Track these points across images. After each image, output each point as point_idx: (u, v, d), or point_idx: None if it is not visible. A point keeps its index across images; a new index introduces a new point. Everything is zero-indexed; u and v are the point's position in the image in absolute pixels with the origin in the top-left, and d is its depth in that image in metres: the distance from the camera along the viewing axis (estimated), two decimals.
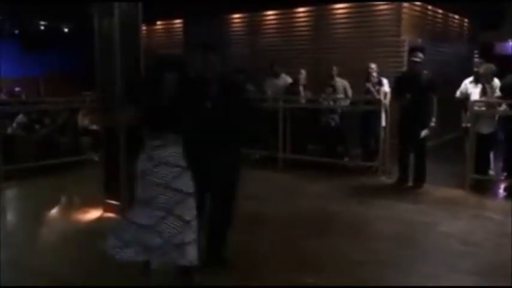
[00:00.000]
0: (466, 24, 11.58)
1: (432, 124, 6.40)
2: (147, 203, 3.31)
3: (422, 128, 6.36)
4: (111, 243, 3.34)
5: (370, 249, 4.37)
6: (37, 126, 8.42)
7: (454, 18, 11.03)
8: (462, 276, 3.81)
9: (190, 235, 3.32)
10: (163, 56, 4.14)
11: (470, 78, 6.88)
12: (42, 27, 12.37)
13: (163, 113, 3.38)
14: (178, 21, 11.71)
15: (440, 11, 10.12)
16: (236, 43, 10.52)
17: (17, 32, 12.62)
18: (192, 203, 3.35)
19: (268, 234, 4.78)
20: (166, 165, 3.30)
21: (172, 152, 3.34)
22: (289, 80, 8.56)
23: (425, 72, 6.49)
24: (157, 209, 3.27)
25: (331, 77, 8.07)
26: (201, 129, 3.55)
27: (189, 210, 3.33)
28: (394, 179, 6.82)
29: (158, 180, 3.29)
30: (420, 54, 6.44)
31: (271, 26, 10.22)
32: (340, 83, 8.02)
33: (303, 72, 8.44)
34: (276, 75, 8.62)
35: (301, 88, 8.34)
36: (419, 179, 6.55)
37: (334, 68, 8.08)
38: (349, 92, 7.98)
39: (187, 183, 3.35)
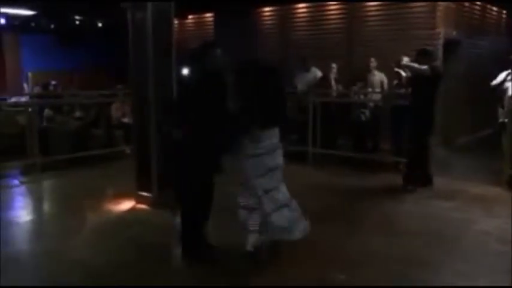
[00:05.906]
0: (504, 16, 11.21)
1: None
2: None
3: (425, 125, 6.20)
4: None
5: (403, 246, 4.30)
6: (71, 119, 8.60)
7: (492, 11, 10.68)
8: (500, 277, 3.71)
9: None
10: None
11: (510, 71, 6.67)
12: (77, 22, 12.62)
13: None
14: (209, 15, 11.76)
15: (477, 2, 9.82)
16: (267, 37, 10.48)
17: (53, 26, 12.90)
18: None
19: None
20: None
21: None
22: (319, 73, 8.46)
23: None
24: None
25: (369, 70, 7.92)
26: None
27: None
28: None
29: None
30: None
31: (302, 20, 10.13)
32: (378, 76, 7.87)
33: (334, 65, 8.34)
34: (307, 69, 8.54)
35: (332, 82, 8.25)
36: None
37: (372, 60, 7.91)
38: (386, 86, 7.81)
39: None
